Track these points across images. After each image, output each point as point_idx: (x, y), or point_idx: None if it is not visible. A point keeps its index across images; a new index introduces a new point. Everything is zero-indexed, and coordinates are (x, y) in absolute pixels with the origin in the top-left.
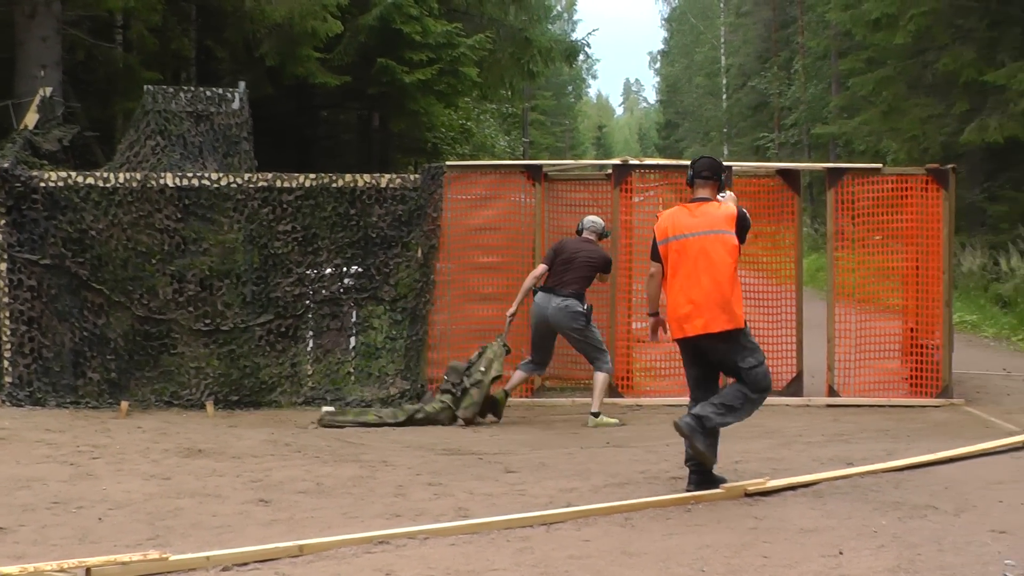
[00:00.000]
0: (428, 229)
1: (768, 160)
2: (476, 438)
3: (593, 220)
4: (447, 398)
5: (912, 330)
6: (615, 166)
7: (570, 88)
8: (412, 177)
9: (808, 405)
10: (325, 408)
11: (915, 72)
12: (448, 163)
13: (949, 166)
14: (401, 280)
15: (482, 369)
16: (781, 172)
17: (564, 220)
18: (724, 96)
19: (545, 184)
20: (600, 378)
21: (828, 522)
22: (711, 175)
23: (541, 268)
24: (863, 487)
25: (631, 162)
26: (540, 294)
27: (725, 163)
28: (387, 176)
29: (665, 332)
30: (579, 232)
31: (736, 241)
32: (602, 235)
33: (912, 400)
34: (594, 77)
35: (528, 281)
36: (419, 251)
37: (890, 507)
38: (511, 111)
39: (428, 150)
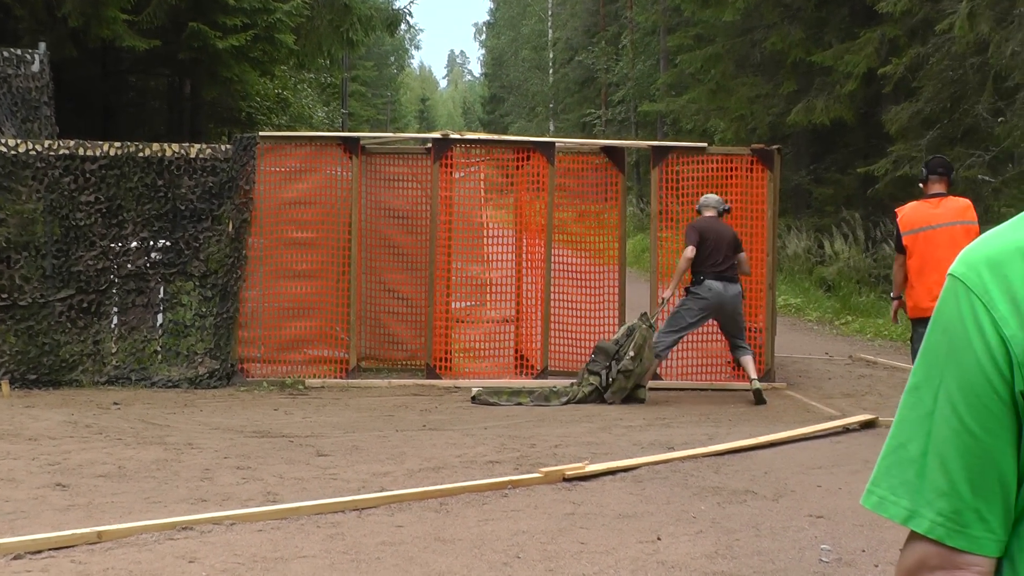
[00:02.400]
0: (240, 202)
1: (595, 137)
2: (287, 420)
3: (715, 198)
4: (596, 380)
5: None
6: (435, 140)
7: (392, 59)
8: (223, 147)
9: None
10: (475, 388)
11: (743, 50)
12: (261, 133)
13: (774, 147)
14: (211, 255)
15: (631, 355)
16: (606, 150)
17: (382, 195)
18: (551, 70)
19: (363, 157)
20: (750, 358)
21: (647, 507)
22: (945, 171)
23: (691, 251)
24: (683, 472)
25: (452, 136)
26: (715, 282)
27: (547, 139)
28: (197, 146)
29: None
30: (698, 212)
31: (978, 227)
32: (721, 212)
33: (734, 384)
34: (417, 48)
35: (682, 264)
36: (230, 225)
37: (709, 492)
38: (330, 81)
39: (242, 120)
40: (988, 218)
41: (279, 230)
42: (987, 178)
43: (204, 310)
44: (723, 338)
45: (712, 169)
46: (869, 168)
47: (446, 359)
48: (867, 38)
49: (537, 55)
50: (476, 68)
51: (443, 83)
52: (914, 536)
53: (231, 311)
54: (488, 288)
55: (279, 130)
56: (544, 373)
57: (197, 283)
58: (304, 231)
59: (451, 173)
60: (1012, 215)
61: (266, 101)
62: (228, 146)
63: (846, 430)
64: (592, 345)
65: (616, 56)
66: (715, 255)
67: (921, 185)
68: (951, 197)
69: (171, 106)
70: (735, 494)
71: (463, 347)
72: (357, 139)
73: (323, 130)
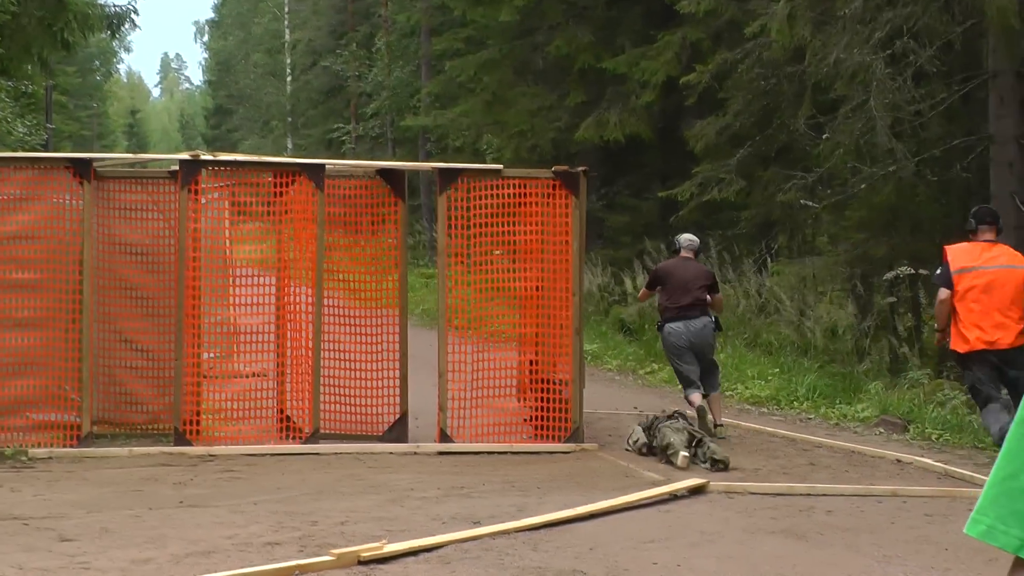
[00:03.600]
0: None
1: (344, 157)
2: (16, 499)
3: (690, 238)
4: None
5: (532, 362)
6: (183, 161)
7: (97, 63)
8: None
9: (416, 452)
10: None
11: (523, 55)
12: None
13: (580, 168)
14: None
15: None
16: (383, 173)
17: (117, 227)
18: (289, 78)
19: (94, 182)
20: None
21: None
22: (993, 220)
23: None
24: (496, 550)
25: (204, 157)
26: (676, 324)
27: (316, 161)
28: None
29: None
30: (676, 252)
31: None
32: (697, 252)
33: (538, 445)
34: (128, 51)
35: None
36: None
37: (531, 572)
38: (29, 89)
39: None
40: (806, 248)
41: None
42: (809, 203)
43: None
44: (520, 395)
45: (508, 195)
46: (671, 192)
47: (195, 422)
48: (666, 42)
49: (272, 59)
50: (197, 74)
51: (156, 92)
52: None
53: None
54: (237, 337)
55: None
56: (315, 437)
57: None
58: (26, 271)
59: (199, 200)
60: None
61: None
62: None
63: (674, 497)
64: (366, 403)
65: (369, 61)
66: (684, 297)
67: (971, 235)
68: (1000, 244)
69: None
70: (561, 574)
71: (215, 407)
72: (89, 161)
73: (24, 149)
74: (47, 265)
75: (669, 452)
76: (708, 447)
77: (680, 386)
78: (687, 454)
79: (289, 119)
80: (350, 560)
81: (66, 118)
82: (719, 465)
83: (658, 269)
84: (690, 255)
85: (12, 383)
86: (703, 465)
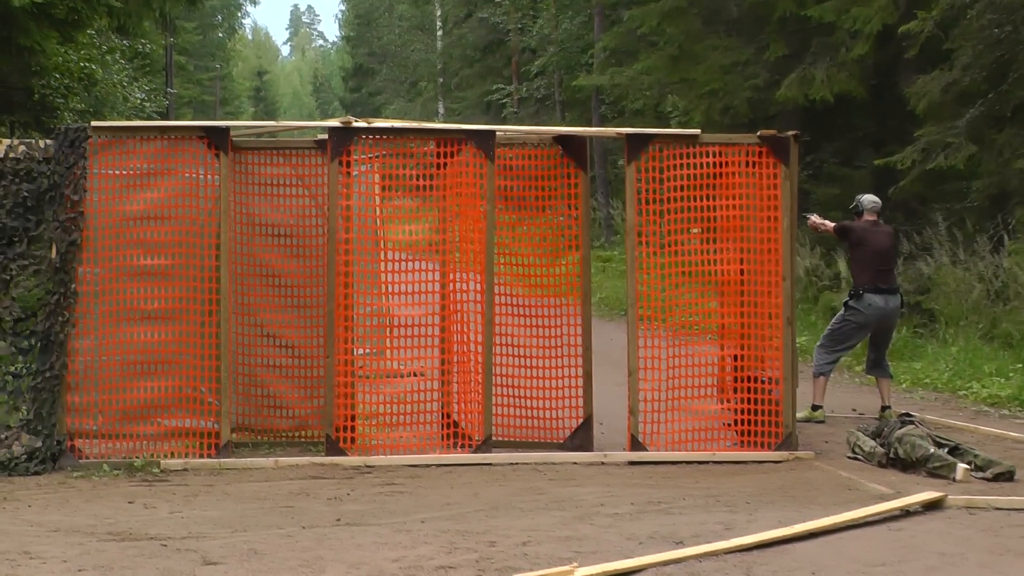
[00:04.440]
0: (67, 219)
1: (505, 121)
2: (151, 516)
3: (874, 199)
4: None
5: (736, 358)
6: (333, 129)
7: (220, 17)
8: (41, 143)
9: (604, 462)
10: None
11: (715, 2)
12: (94, 124)
13: (790, 132)
14: (28, 292)
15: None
16: (561, 140)
17: (258, 206)
18: (440, 32)
19: (232, 155)
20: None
21: None
22: None
23: None
24: (704, 574)
25: (357, 124)
26: (877, 295)
27: (484, 127)
28: (4, 142)
29: None
30: (859, 214)
31: None
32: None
33: (745, 453)
34: (253, 2)
35: None
36: (53, 250)
37: None
38: (147, 49)
39: (34, 104)
40: None
41: (121, 256)
42: None
43: (18, 368)
44: (722, 396)
45: (706, 164)
46: (888, 159)
47: (349, 428)
48: None
49: (420, 10)
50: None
51: (285, 50)
52: None
53: (56, 368)
54: (391, 330)
55: (82, 118)
56: (486, 445)
57: (8, 331)
58: (155, 257)
59: (351, 174)
60: None
61: (64, 78)
62: (48, 142)
63: (906, 513)
64: (544, 406)
65: (533, 12)
66: (885, 267)
67: None
68: None
69: None
70: None
71: (371, 411)
72: (226, 130)
73: (142, 117)
74: (179, 250)
75: (934, 465)
76: (975, 455)
77: (821, 363)
78: (966, 466)
79: (440, 80)
80: None
81: (185, 81)
82: (1004, 476)
83: (855, 227)
84: (878, 219)
85: (141, 385)
86: (978, 476)
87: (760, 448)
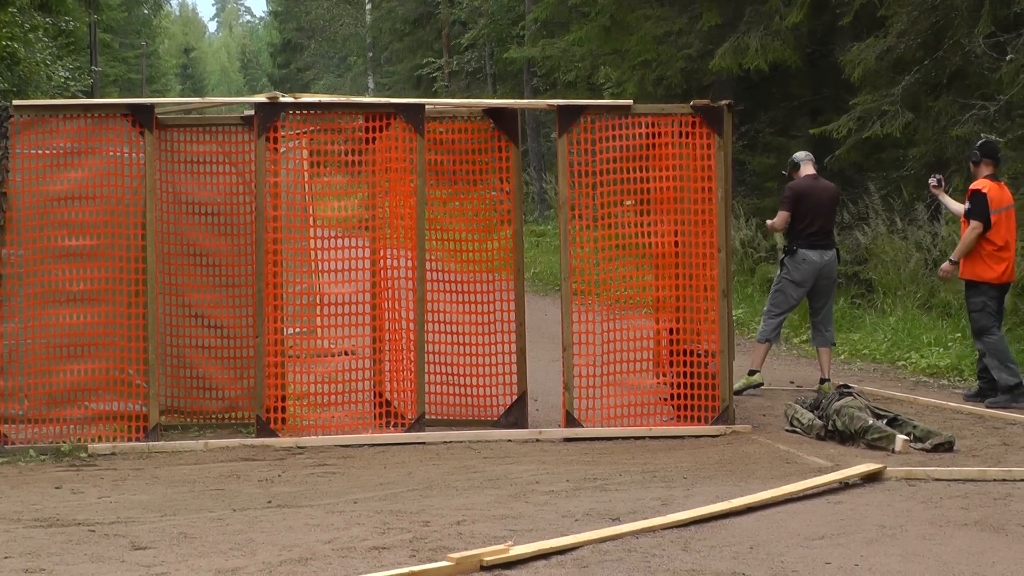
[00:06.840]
0: None
1: (436, 95)
2: (79, 502)
3: (808, 153)
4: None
5: (672, 332)
6: (260, 105)
7: None
8: None
9: (539, 439)
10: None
11: None
12: (15, 103)
13: (723, 102)
14: None
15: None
16: (491, 113)
17: (184, 184)
18: (369, 5)
19: (157, 132)
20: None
21: None
22: (998, 158)
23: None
24: (640, 551)
25: (284, 100)
26: (812, 251)
27: (413, 100)
28: None
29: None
30: (795, 168)
31: None
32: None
33: (682, 428)
34: None
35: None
36: None
37: None
38: (69, 27)
39: None
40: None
41: (45, 237)
42: (989, 137)
43: None
44: (658, 370)
45: (639, 136)
46: (824, 128)
47: (280, 409)
48: None
49: None
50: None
51: (212, 27)
52: None
53: None
54: (322, 309)
55: (4, 97)
56: (419, 424)
57: None
58: (80, 237)
59: (278, 150)
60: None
61: None
62: None
63: (845, 485)
64: (478, 383)
65: None
66: (819, 222)
67: (972, 167)
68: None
69: None
70: None
71: (302, 392)
72: (151, 107)
73: (66, 97)
74: (105, 230)
75: (872, 436)
76: (914, 426)
77: (766, 328)
78: (906, 438)
79: (370, 54)
80: (471, 565)
81: (111, 59)
82: (944, 447)
83: (795, 188)
84: (817, 174)
85: (67, 368)
86: (917, 447)
87: (697, 422)
